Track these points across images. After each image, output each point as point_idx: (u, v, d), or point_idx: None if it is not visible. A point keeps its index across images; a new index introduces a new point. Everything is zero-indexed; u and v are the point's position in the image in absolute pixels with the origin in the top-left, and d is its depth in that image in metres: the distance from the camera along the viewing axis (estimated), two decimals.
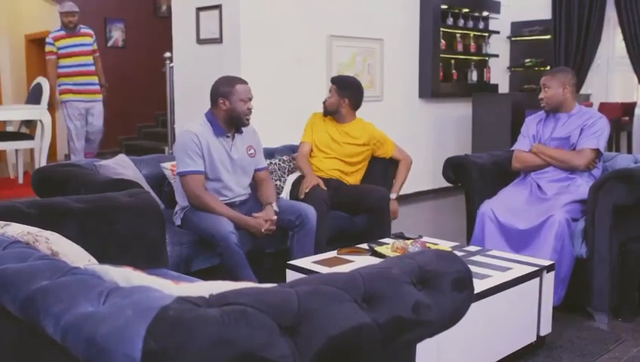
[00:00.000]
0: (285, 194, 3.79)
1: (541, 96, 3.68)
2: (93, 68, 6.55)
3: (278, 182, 3.90)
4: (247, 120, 3.33)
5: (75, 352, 1.11)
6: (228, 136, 3.34)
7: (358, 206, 3.80)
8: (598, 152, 3.57)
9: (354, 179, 4.03)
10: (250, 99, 3.30)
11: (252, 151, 3.44)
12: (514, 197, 3.60)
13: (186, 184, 3.25)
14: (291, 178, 3.87)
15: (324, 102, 4.06)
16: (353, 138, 4.01)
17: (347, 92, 4.01)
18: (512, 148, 3.89)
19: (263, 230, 3.26)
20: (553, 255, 3.20)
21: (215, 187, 3.32)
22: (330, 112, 4.03)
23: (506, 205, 3.53)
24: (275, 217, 3.30)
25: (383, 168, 4.14)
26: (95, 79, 6.59)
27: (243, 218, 3.27)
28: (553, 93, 3.63)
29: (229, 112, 3.28)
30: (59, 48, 6.44)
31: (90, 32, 6.63)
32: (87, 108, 6.50)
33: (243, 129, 3.42)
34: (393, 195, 3.97)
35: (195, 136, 3.23)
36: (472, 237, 3.61)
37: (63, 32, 6.47)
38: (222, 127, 3.31)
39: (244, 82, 3.34)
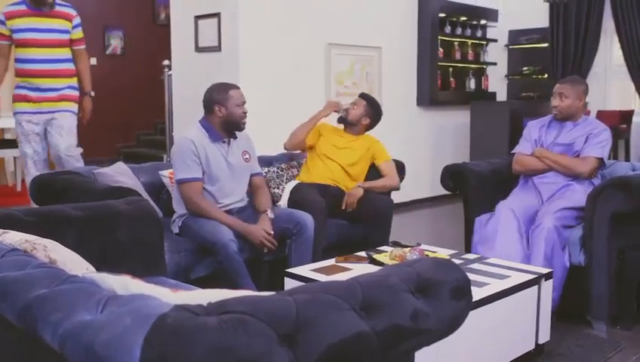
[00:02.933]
0: (283, 202, 3.78)
1: (555, 103, 3.67)
2: (67, 66, 4.39)
3: (276, 190, 3.90)
4: (244, 124, 3.37)
5: (73, 360, 1.11)
6: (224, 142, 3.36)
7: (361, 213, 3.77)
8: (601, 162, 3.58)
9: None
10: (244, 103, 3.35)
11: (247, 156, 3.46)
12: (525, 201, 3.59)
13: (184, 191, 3.26)
14: (289, 186, 3.86)
15: (346, 110, 4.08)
16: (354, 146, 4.03)
17: (373, 112, 4.10)
18: (513, 151, 3.90)
19: (266, 246, 3.25)
20: (544, 262, 3.20)
21: (213, 193, 3.32)
22: (349, 122, 4.07)
23: (521, 206, 3.52)
24: (272, 232, 3.28)
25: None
26: (67, 83, 4.41)
27: (242, 225, 3.26)
28: (570, 103, 3.64)
29: (225, 118, 3.32)
30: (13, 31, 4.26)
31: (71, 12, 4.39)
32: (47, 121, 4.38)
33: (237, 134, 3.44)
34: (361, 184, 3.87)
35: (192, 143, 3.25)
36: (473, 246, 3.59)
37: (23, 7, 4.25)
38: (218, 132, 3.34)
39: (236, 87, 3.39)
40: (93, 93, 4.61)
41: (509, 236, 3.38)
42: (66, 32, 4.29)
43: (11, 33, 4.25)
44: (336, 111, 4.10)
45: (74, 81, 4.44)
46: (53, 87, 4.30)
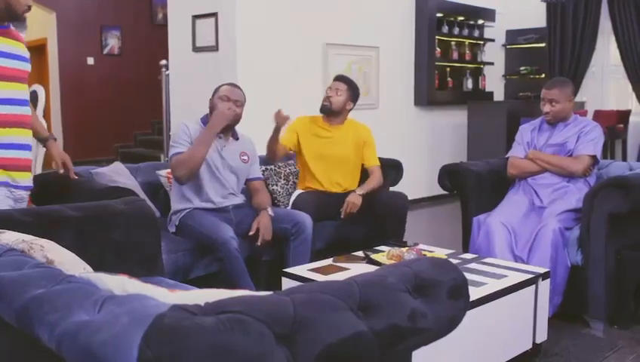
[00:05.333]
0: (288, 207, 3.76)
1: (547, 110, 3.65)
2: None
3: (275, 187, 3.91)
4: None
5: (70, 361, 1.11)
6: (220, 137, 3.38)
7: (377, 211, 3.68)
8: (594, 159, 3.59)
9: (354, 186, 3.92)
10: (229, 99, 3.33)
11: (245, 157, 3.46)
12: (517, 207, 3.58)
13: (173, 162, 3.26)
14: (294, 196, 3.83)
15: (328, 98, 3.84)
16: (342, 137, 3.87)
17: (353, 94, 3.89)
18: (507, 156, 3.91)
19: (259, 243, 3.27)
20: (550, 264, 3.21)
21: (205, 183, 3.33)
22: (333, 112, 3.85)
23: (512, 214, 3.51)
24: (270, 232, 3.29)
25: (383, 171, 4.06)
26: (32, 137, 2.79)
27: (210, 124, 3.26)
28: (562, 107, 3.64)
29: (211, 111, 3.37)
30: None
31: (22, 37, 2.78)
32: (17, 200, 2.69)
33: (240, 137, 3.47)
34: (360, 191, 3.73)
35: (186, 127, 3.32)
36: (471, 245, 3.59)
37: None
38: None
39: (231, 85, 3.43)
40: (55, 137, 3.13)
41: (501, 252, 3.37)
42: (28, 61, 2.75)
43: None
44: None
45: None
46: (27, 145, 2.70)
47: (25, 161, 2.67)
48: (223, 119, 3.28)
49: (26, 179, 2.69)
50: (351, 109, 3.93)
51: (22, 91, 2.66)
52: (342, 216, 3.66)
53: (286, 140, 3.85)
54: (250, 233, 3.27)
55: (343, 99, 3.85)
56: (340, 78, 3.97)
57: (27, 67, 2.71)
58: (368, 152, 3.94)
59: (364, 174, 3.98)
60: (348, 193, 3.79)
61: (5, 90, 2.58)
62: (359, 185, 3.88)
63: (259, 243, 3.27)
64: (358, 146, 3.91)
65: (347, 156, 3.88)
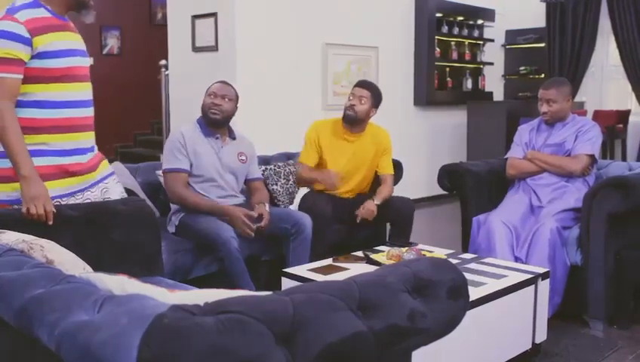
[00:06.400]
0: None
1: (545, 110, 3.65)
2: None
3: (275, 187, 3.91)
4: (213, 114, 3.33)
5: (69, 361, 1.11)
6: (217, 138, 3.38)
7: (384, 216, 3.68)
8: (593, 158, 3.59)
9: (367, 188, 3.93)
10: (216, 96, 3.34)
11: (243, 157, 3.46)
12: (517, 207, 3.58)
13: (167, 181, 3.29)
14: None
15: (352, 107, 3.70)
16: (362, 146, 3.82)
17: (376, 100, 3.77)
18: (506, 157, 3.91)
19: (244, 231, 3.20)
20: (547, 263, 3.21)
21: (204, 186, 3.33)
22: (357, 121, 3.73)
23: (513, 214, 3.51)
24: (266, 220, 3.28)
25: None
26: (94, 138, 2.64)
27: (221, 207, 3.26)
28: (560, 107, 3.64)
29: (203, 111, 3.37)
30: (41, 55, 2.32)
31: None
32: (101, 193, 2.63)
33: (238, 138, 3.48)
34: (377, 201, 3.67)
35: (181, 135, 3.31)
36: (471, 245, 3.58)
37: (45, 14, 2.39)
38: (208, 127, 3.37)
39: (221, 82, 3.44)
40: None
41: (502, 251, 3.37)
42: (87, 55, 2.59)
43: (32, 58, 2.30)
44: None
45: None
46: (89, 148, 2.60)
47: (92, 161, 2.62)
48: (235, 221, 3.18)
49: (102, 170, 2.67)
50: (373, 115, 3.82)
51: (86, 92, 2.54)
52: (357, 221, 3.63)
53: (309, 159, 3.79)
54: (255, 215, 3.24)
55: (366, 107, 3.72)
56: (362, 85, 3.82)
57: (87, 62, 2.58)
58: (384, 160, 3.89)
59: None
60: (357, 197, 3.78)
61: (74, 92, 2.47)
62: (371, 191, 3.88)
63: (261, 225, 3.24)
64: (377, 154, 3.86)
65: (366, 166, 3.85)
